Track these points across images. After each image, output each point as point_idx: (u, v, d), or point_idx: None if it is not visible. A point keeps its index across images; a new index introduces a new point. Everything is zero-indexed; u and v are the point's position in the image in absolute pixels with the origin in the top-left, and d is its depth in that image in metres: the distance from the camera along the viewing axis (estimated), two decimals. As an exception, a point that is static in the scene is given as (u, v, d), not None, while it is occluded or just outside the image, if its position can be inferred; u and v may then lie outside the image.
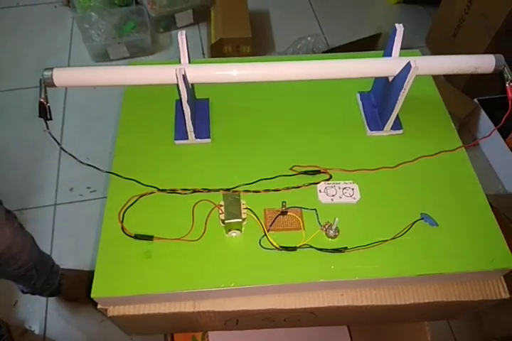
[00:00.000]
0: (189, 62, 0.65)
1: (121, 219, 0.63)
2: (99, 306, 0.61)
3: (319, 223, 0.63)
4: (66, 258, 1.24)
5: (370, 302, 0.61)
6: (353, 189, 0.66)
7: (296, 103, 0.78)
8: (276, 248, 0.60)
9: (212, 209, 0.64)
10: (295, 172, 0.68)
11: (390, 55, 0.66)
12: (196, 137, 0.71)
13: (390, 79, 0.67)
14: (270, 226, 0.62)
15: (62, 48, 1.81)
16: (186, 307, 0.61)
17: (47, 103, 0.61)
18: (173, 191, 0.66)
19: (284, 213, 0.63)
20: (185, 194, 0.66)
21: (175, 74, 0.61)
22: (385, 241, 0.61)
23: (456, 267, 0.60)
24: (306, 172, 0.68)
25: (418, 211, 0.64)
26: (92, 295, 0.58)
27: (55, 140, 0.64)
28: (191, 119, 0.67)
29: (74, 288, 1.15)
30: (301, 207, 0.64)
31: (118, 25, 1.73)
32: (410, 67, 0.61)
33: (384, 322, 0.86)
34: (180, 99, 0.63)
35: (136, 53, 1.77)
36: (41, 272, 1.03)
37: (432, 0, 1.81)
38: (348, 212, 0.64)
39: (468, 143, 0.74)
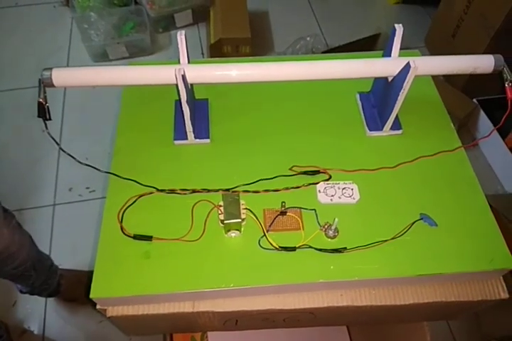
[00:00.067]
0: (188, 62, 0.65)
1: (120, 219, 0.63)
2: (98, 306, 0.61)
3: (319, 223, 0.63)
4: (65, 258, 1.23)
5: (369, 302, 0.61)
6: (352, 189, 0.66)
7: (296, 103, 0.78)
8: (276, 248, 0.60)
9: (212, 209, 0.64)
10: (294, 173, 0.68)
11: (390, 55, 0.66)
12: (195, 137, 0.71)
13: (390, 79, 0.67)
14: (269, 226, 0.62)
15: (61, 48, 1.80)
16: (185, 307, 0.61)
17: (46, 103, 0.60)
18: (173, 191, 0.66)
19: (283, 213, 0.63)
20: (185, 194, 0.65)
21: (174, 75, 0.61)
22: (385, 241, 0.61)
23: (456, 267, 0.60)
24: (305, 173, 0.68)
25: (417, 211, 0.64)
26: (91, 296, 0.58)
27: (54, 140, 0.64)
28: (190, 119, 0.67)
29: (73, 289, 1.15)
30: (300, 207, 0.64)
31: (117, 25, 1.73)
32: (409, 67, 0.61)
33: (383, 322, 0.86)
34: (180, 99, 0.63)
35: (136, 53, 1.76)
36: (39, 272, 1.02)
37: (431, 0, 1.81)
38: (348, 212, 0.64)
39: (467, 143, 0.74)
